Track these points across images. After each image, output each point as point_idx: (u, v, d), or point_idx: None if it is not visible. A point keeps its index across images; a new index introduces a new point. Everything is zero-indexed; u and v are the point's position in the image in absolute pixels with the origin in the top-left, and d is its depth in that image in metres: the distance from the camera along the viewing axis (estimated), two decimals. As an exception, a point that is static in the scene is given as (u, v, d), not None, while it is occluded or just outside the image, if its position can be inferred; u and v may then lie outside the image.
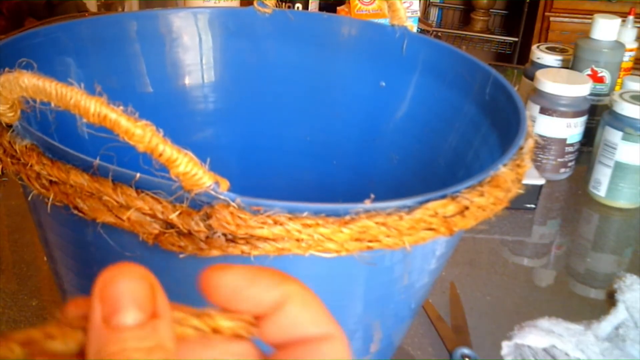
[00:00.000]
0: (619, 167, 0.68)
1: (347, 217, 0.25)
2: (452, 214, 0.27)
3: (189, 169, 0.23)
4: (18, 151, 0.27)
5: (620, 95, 0.68)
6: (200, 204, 0.24)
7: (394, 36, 0.48)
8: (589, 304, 0.56)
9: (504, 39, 2.32)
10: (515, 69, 1.15)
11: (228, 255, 0.24)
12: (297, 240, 0.24)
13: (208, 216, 0.24)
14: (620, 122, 0.67)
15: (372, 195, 0.25)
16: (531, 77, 0.80)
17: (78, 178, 0.25)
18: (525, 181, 0.68)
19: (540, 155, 0.74)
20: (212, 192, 0.24)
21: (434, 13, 2.52)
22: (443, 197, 0.27)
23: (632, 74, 0.85)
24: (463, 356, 0.47)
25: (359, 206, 0.25)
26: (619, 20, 0.79)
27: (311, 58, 0.51)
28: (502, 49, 2.32)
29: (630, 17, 0.84)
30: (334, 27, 0.51)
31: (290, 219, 0.24)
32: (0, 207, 0.64)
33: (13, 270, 0.55)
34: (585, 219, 0.70)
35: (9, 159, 0.28)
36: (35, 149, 0.27)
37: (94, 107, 0.23)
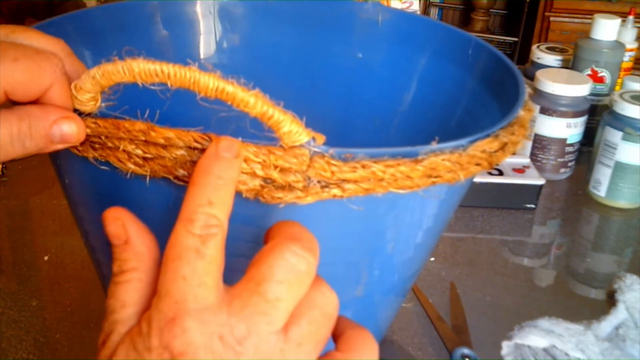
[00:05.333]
0: (619, 167, 0.68)
1: (419, 157, 0.28)
2: (495, 150, 0.31)
3: (293, 127, 0.26)
4: (103, 137, 0.28)
5: (620, 95, 0.68)
6: (296, 158, 0.27)
7: (368, 11, 0.51)
8: (589, 304, 0.56)
9: (504, 39, 2.32)
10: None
11: (321, 200, 0.28)
12: (380, 180, 0.28)
13: (307, 167, 0.27)
14: (620, 122, 0.67)
15: (437, 138, 0.29)
16: (531, 77, 0.80)
17: (179, 150, 0.27)
18: (525, 181, 0.68)
19: (540, 155, 0.74)
20: (313, 147, 0.27)
21: (434, 13, 2.53)
22: (487, 136, 0.31)
23: (632, 74, 0.85)
24: (463, 356, 0.47)
25: (427, 147, 0.29)
26: (619, 20, 0.79)
27: (302, 38, 0.53)
28: (502, 49, 2.32)
29: (630, 17, 0.84)
30: (315, 7, 0.53)
31: (375, 162, 0.28)
32: (0, 207, 0.64)
33: (13, 270, 0.55)
34: (585, 219, 0.70)
35: (88, 146, 0.29)
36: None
37: (212, 83, 0.25)
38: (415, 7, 0.85)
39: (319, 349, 0.25)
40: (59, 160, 0.34)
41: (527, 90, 0.37)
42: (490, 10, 2.39)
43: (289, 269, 0.24)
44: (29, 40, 0.29)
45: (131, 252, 0.26)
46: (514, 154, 0.73)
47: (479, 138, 0.31)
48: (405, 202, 0.32)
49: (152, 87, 0.26)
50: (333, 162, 0.27)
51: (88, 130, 0.28)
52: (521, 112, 0.34)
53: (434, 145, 0.29)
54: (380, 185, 0.28)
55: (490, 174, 0.68)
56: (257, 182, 0.27)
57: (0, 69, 0.26)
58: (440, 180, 0.29)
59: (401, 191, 0.29)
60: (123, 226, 0.26)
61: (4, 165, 0.70)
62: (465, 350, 0.47)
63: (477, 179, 0.67)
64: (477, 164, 0.31)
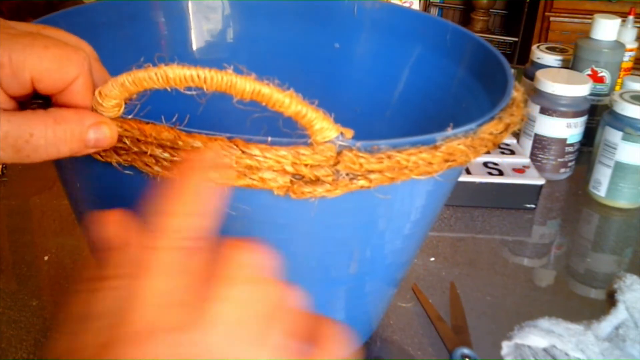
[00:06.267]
0: (619, 167, 0.68)
1: (437, 144, 0.30)
2: (500, 131, 0.33)
3: (324, 124, 0.27)
4: (129, 142, 0.28)
5: (620, 95, 0.68)
6: (325, 153, 0.28)
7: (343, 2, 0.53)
8: (589, 304, 0.56)
9: (504, 39, 2.32)
10: (515, 69, 1.15)
11: (349, 192, 0.29)
12: (404, 168, 0.29)
13: (337, 162, 0.28)
14: (620, 122, 0.67)
15: (451, 124, 0.31)
16: (531, 77, 0.80)
17: (211, 152, 0.27)
18: (525, 181, 0.68)
19: (540, 155, 0.74)
20: (340, 141, 0.28)
21: (434, 13, 2.52)
22: (492, 119, 0.33)
23: (632, 74, 0.85)
24: (463, 356, 0.47)
25: (444, 134, 0.30)
26: (619, 20, 0.79)
27: (285, 32, 0.54)
28: (502, 49, 2.31)
29: (630, 17, 0.84)
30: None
31: (398, 151, 0.29)
32: (0, 207, 0.64)
33: (13, 270, 0.55)
34: (585, 219, 0.70)
35: (112, 153, 0.29)
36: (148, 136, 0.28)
37: (249, 86, 0.25)
38: (415, 7, 0.85)
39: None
40: (69, 163, 0.34)
41: (513, 71, 0.40)
42: (490, 10, 2.39)
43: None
44: (59, 36, 0.29)
45: (126, 257, 0.24)
46: (513, 153, 0.73)
47: (485, 121, 0.33)
48: (394, 194, 0.33)
49: (187, 92, 0.26)
50: (360, 154, 0.28)
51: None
52: (515, 93, 0.36)
53: (449, 132, 0.30)
54: (403, 173, 0.29)
55: (490, 174, 0.68)
56: (287, 179, 0.28)
57: (31, 54, 0.26)
58: (455, 163, 0.31)
59: (421, 177, 0.30)
60: (124, 229, 0.25)
61: (4, 166, 0.70)
62: (465, 350, 0.47)
63: (477, 179, 0.67)
64: (485, 146, 0.33)
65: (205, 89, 0.26)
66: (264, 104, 0.26)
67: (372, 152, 0.28)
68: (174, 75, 0.25)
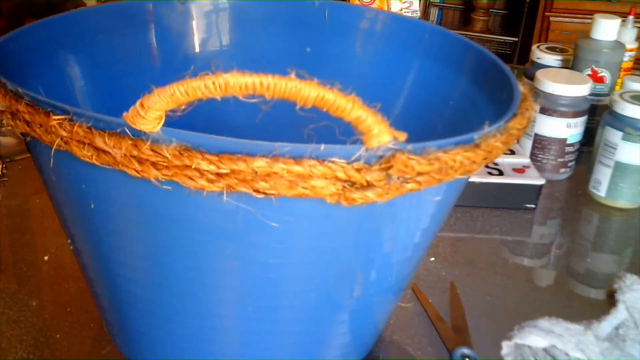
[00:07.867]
0: (619, 167, 0.68)
1: (477, 142, 0.30)
2: (524, 126, 0.34)
3: (380, 129, 0.27)
4: (170, 155, 0.26)
5: (620, 95, 0.68)
6: (377, 158, 0.27)
7: (313, 7, 0.53)
8: (589, 304, 0.56)
9: (504, 39, 2.32)
10: (515, 69, 1.15)
11: (399, 195, 0.28)
12: (450, 168, 0.29)
13: (389, 166, 0.27)
14: (620, 122, 0.67)
15: (487, 121, 0.31)
16: (531, 77, 0.80)
17: (258, 162, 0.26)
18: (525, 181, 0.68)
19: (540, 155, 0.74)
20: (393, 145, 0.27)
21: (434, 13, 2.52)
22: (514, 115, 0.34)
23: (632, 74, 0.85)
24: (463, 356, 0.47)
25: (481, 132, 0.31)
26: (619, 20, 0.79)
27: (279, 39, 0.54)
28: (502, 49, 2.32)
29: (630, 17, 0.84)
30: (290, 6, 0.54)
31: (445, 152, 0.29)
32: (0, 207, 0.64)
33: (13, 270, 0.55)
34: (585, 219, 0.70)
35: (150, 167, 0.27)
36: (191, 148, 0.27)
37: (314, 92, 0.25)
38: (415, 7, 0.85)
39: None
40: (73, 169, 0.34)
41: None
42: (490, 10, 2.39)
43: None
44: None
45: None
46: (513, 153, 0.73)
47: (510, 118, 0.33)
48: (402, 202, 0.33)
49: (248, 100, 0.25)
50: (412, 157, 0.28)
51: (151, 157, 0.27)
52: (522, 89, 0.37)
53: (486, 129, 0.31)
54: (448, 173, 0.29)
55: (490, 174, 0.68)
56: (339, 186, 0.27)
57: None
58: (489, 160, 0.32)
59: (464, 176, 0.30)
60: None
61: (4, 165, 0.70)
62: (465, 350, 0.47)
63: (477, 179, 0.67)
64: (513, 142, 0.33)
65: (266, 97, 0.25)
66: (325, 109, 0.26)
67: (422, 155, 0.28)
68: (235, 82, 0.24)
